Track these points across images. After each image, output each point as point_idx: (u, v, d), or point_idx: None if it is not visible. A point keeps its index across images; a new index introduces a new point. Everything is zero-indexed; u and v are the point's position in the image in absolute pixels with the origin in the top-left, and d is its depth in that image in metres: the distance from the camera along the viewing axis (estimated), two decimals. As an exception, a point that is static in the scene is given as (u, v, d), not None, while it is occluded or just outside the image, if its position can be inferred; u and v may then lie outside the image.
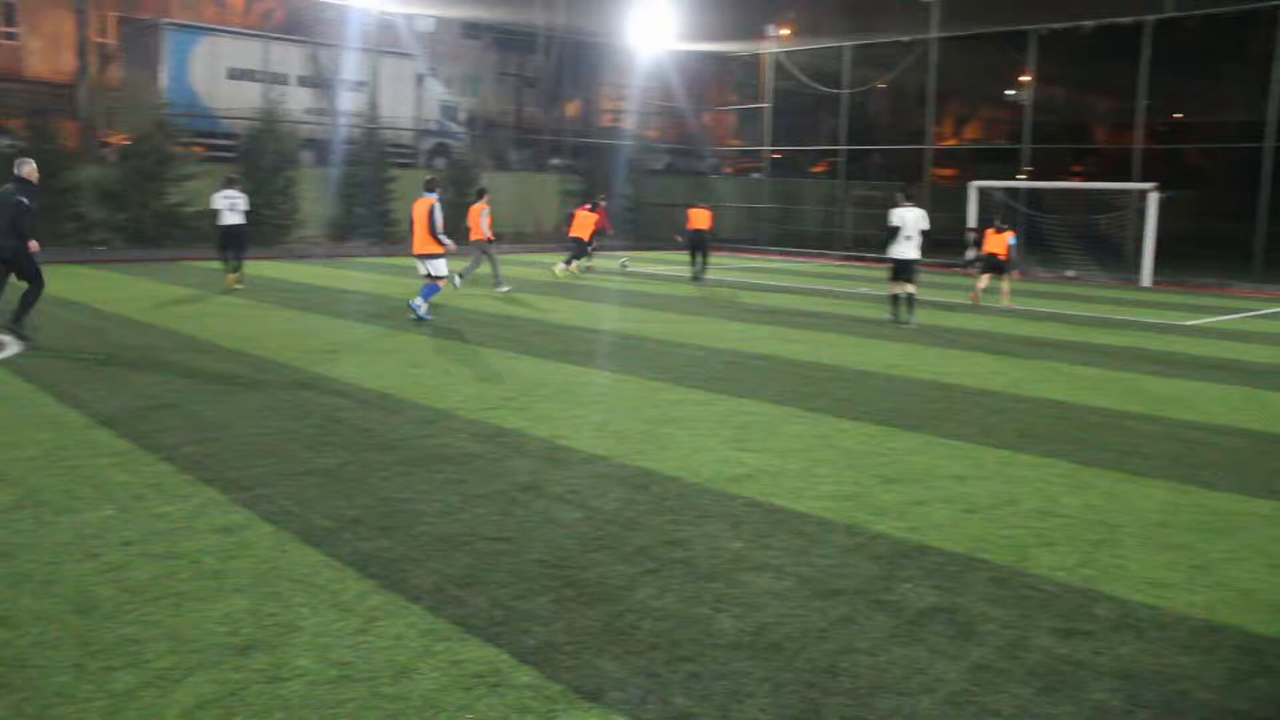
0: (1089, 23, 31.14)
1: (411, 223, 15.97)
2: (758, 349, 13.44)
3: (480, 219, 20.12)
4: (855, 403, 10.04)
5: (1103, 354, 13.98)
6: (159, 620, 4.67)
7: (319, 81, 35.30)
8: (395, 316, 15.96)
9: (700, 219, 24.46)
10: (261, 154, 31.37)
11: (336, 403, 9.45)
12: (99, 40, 36.05)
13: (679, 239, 25.37)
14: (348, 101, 35.16)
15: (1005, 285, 20.70)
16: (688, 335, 14.61)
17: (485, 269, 20.73)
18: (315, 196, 32.66)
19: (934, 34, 34.17)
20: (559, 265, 24.34)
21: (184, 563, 5.37)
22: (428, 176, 17.11)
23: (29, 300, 12.45)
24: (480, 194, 20.75)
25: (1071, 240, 28.63)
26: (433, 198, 15.78)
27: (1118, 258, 28.97)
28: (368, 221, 33.83)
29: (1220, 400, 10.80)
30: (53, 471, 7.03)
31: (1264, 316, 20.40)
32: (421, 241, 15.63)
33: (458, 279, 19.40)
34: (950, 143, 50.04)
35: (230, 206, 19.31)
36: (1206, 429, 9.34)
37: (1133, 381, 11.79)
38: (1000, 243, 20.33)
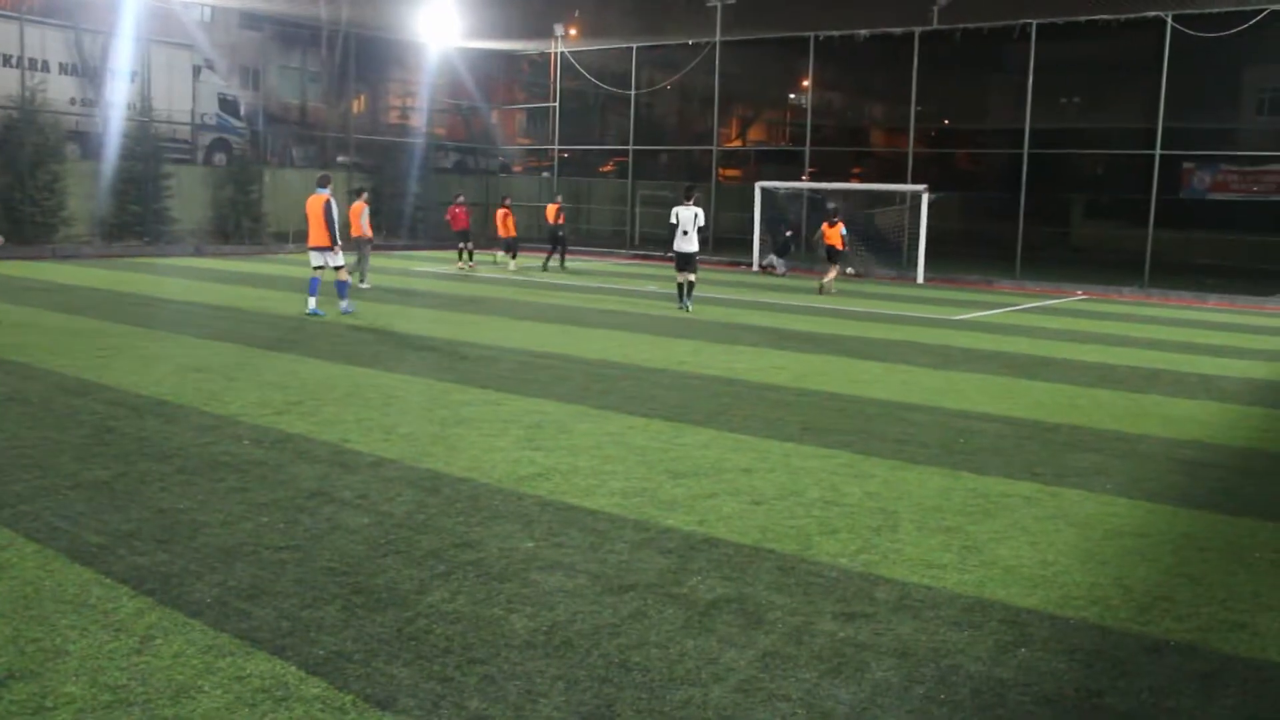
0: (864, 31, 32.53)
1: (307, 218, 16.34)
2: (548, 348, 13.47)
3: (361, 217, 20.88)
4: (645, 400, 10.20)
5: (881, 348, 14.64)
6: (-94, 650, 4.32)
7: (84, 70, 33.31)
8: (175, 320, 15.24)
9: (551, 213, 28.23)
10: (20, 145, 29.37)
11: (109, 410, 8.95)
12: None
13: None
14: (118, 92, 33.28)
15: (833, 272, 23.78)
16: (477, 335, 14.51)
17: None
18: (84, 193, 30.79)
19: (718, 37, 35.00)
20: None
21: (-65, 587, 4.99)
22: (321, 174, 17.67)
23: None
24: (359, 193, 21.69)
25: (853, 239, 29.89)
26: (326, 194, 16.29)
27: (895, 255, 30.40)
28: (142, 220, 32.15)
29: (986, 390, 11.48)
30: None
31: (1023, 311, 21.80)
32: (317, 235, 16.14)
33: (361, 282, 20.63)
34: (736, 144, 51.41)
35: None
36: (975, 417, 9.90)
37: (908, 374, 12.40)
38: (835, 235, 23.55)
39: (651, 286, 23.87)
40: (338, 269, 16.40)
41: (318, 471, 7.23)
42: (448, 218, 29.29)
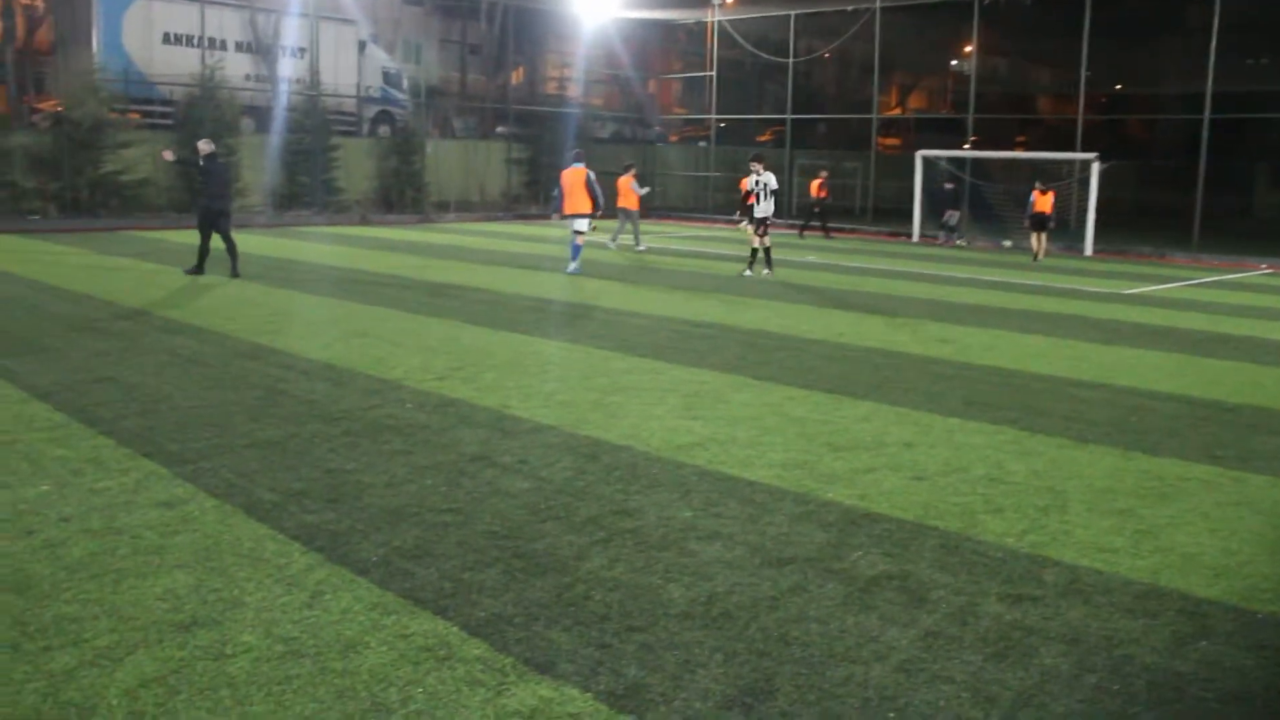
0: (1031, -8, 31.34)
1: (563, 188, 18.74)
2: (706, 318, 13.42)
3: (630, 188, 23.24)
4: (803, 371, 10.06)
5: (1047, 322, 14.13)
6: (98, 598, 4.56)
7: (258, 47, 34.60)
8: (340, 285, 15.75)
9: (814, 187, 30.06)
10: (200, 121, 30.72)
11: (280, 374, 9.30)
12: (25, 2, 35.04)
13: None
14: (288, 68, 34.51)
15: (1043, 241, 24.53)
16: (637, 304, 14.56)
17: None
18: (257, 165, 32.08)
19: (879, 2, 34.17)
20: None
21: (124, 539, 5.25)
22: (575, 150, 20.80)
23: None
24: (628, 167, 23.93)
25: (1015, 210, 28.88)
26: (583, 167, 18.67)
27: (1061, 228, 29.30)
28: (310, 191, 33.31)
29: (1159, 367, 10.96)
30: (-14, 446, 6.85)
31: (1200, 285, 20.75)
32: (573, 204, 18.44)
33: (611, 243, 23.28)
34: (895, 112, 50.23)
35: None
36: (1148, 395, 9.46)
37: (1076, 349, 11.93)
38: (1047, 202, 24.26)
39: (810, 257, 23.56)
40: (578, 232, 18.43)
41: (479, 436, 7.35)
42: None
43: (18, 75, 31.88)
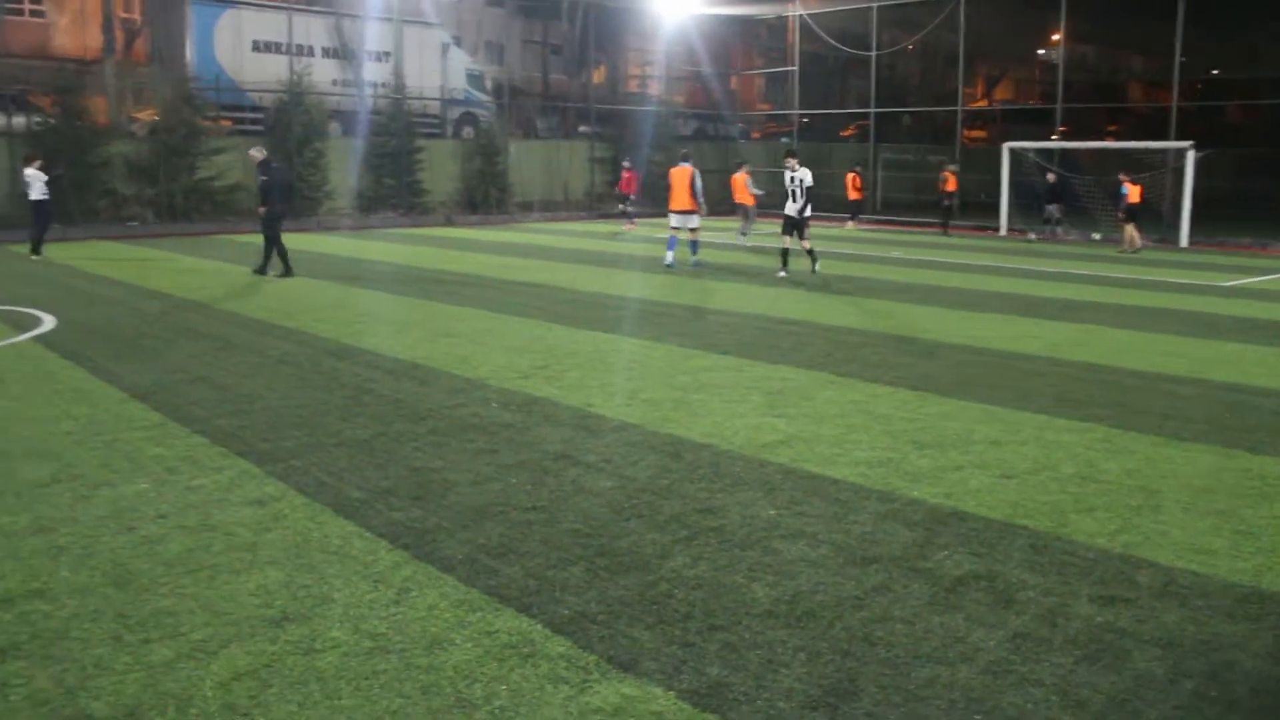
0: (1123, -22, 30.60)
1: (670, 186, 19.52)
2: (789, 314, 13.34)
3: (745, 184, 24.24)
4: (888, 367, 9.95)
5: (1140, 316, 13.78)
6: (194, 593, 4.68)
7: (344, 53, 35.20)
8: (425, 285, 15.96)
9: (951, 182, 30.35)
10: (289, 126, 31.36)
11: (368, 373, 9.46)
12: (124, 16, 36.11)
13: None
14: (373, 72, 35.06)
15: (1136, 232, 24.60)
16: (719, 301, 14.53)
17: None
18: (344, 168, 32.65)
19: (964, -7, 33.64)
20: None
21: (218, 535, 5.38)
22: (683, 150, 22.36)
23: None
24: (740, 164, 25.03)
25: (1105, 201, 28.19)
26: (690, 166, 19.48)
27: (1154, 218, 28.56)
28: (396, 193, 33.80)
29: (1261, 362, 10.62)
30: (89, 445, 7.07)
31: (1304, 276, 20.08)
32: (681, 201, 19.18)
33: (740, 236, 24.32)
34: (981, 104, 49.44)
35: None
36: (1248, 391, 9.18)
37: (1171, 344, 11.62)
38: (1137, 191, 24.65)
39: (896, 253, 23.30)
40: (694, 230, 19.33)
41: (563, 435, 7.40)
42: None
43: (117, 87, 32.82)
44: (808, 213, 17.74)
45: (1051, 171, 29.19)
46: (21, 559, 5.07)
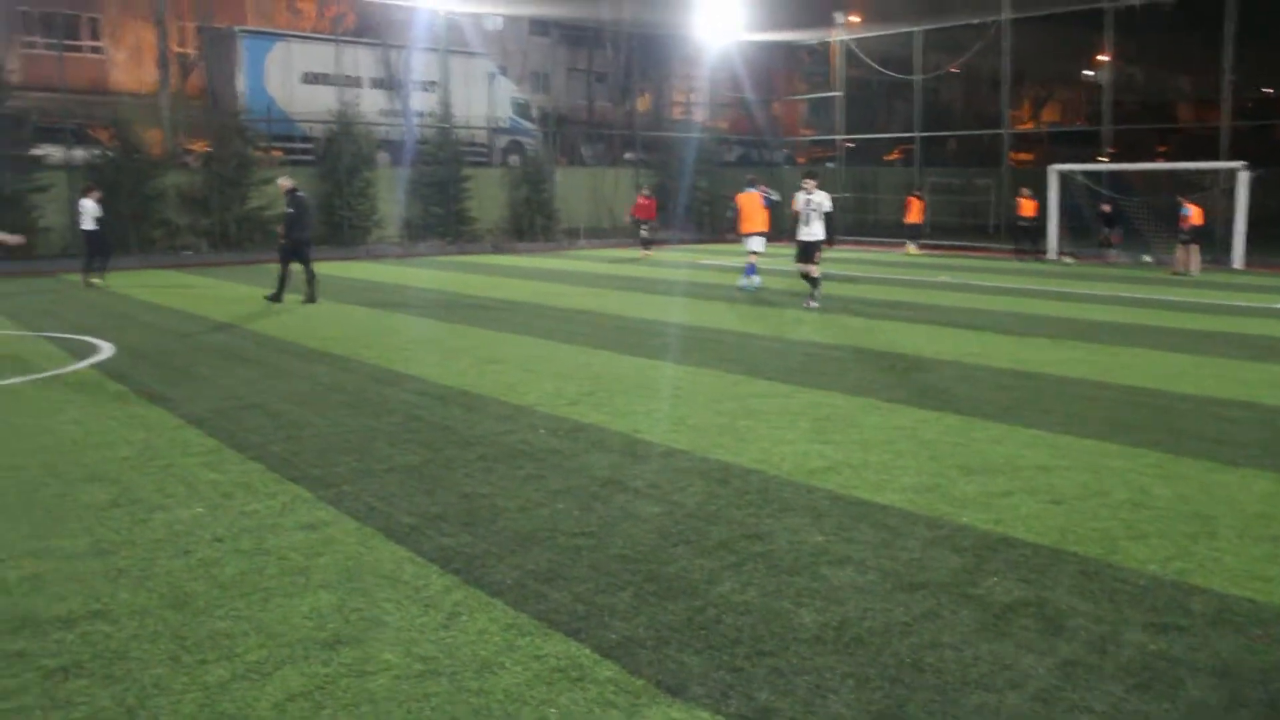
0: (1170, -2, 30.41)
1: (740, 212, 20.37)
2: (835, 340, 13.33)
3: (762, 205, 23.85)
4: (935, 393, 9.91)
5: (1192, 339, 13.62)
6: (249, 615, 4.76)
7: (391, 83, 35.69)
8: (473, 312, 16.11)
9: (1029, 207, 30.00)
10: (339, 156, 31.81)
11: (417, 400, 9.56)
12: (179, 50, 36.86)
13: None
14: (420, 102, 35.52)
15: (1193, 254, 24.64)
16: (764, 327, 14.54)
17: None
18: (392, 197, 33.06)
19: (1006, 15, 33.55)
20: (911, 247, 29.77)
21: (272, 559, 5.47)
22: (750, 175, 23.49)
23: None
24: (750, 181, 24.67)
25: (1156, 223, 27.88)
26: (758, 191, 20.54)
27: (1207, 240, 28.20)
28: (443, 221, 34.15)
29: (1316, 385, 10.47)
30: (146, 470, 7.21)
31: (1360, 298, 19.74)
32: (748, 225, 20.06)
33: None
34: (1027, 126, 49.17)
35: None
36: (1302, 415, 9.05)
37: (1224, 367, 11.48)
38: (1199, 213, 24.64)
39: (944, 277, 23.20)
40: (754, 252, 19.99)
41: (610, 461, 7.44)
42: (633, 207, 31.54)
43: (171, 119, 33.48)
44: (821, 236, 17.01)
45: (1106, 202, 28.91)
46: (82, 580, 5.19)
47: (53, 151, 28.55)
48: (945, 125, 40.91)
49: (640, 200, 30.76)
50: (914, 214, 32.14)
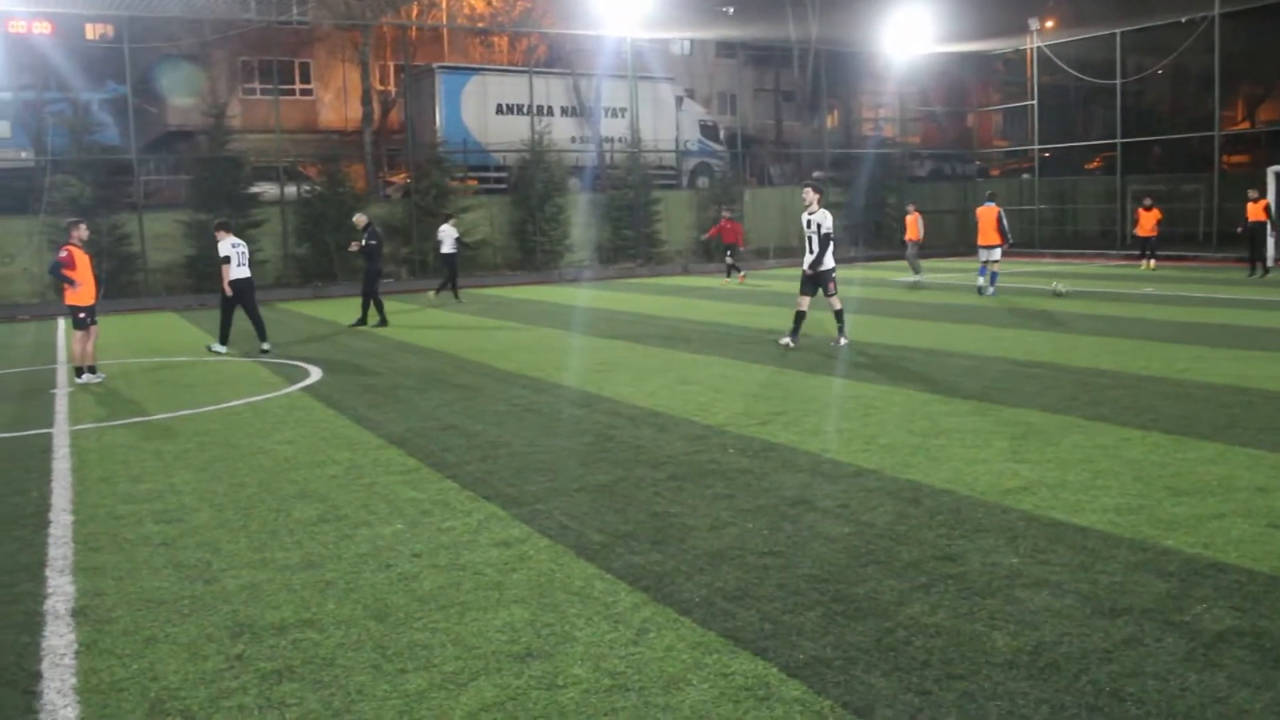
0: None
1: (978, 224, 22.23)
2: (1033, 356, 12.89)
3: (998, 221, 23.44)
4: (1140, 410, 9.46)
5: None
6: (446, 627, 4.94)
7: (581, 111, 36.52)
8: (663, 334, 16.28)
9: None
10: (531, 183, 32.74)
11: (609, 420, 9.74)
12: (380, 89, 38.69)
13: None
14: (609, 128, 36.21)
15: None
16: (958, 344, 14.19)
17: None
18: (583, 222, 33.80)
19: (1216, 10, 31.84)
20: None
21: (467, 574, 5.67)
22: (988, 191, 24.90)
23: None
24: (992, 196, 24.18)
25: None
26: (995, 205, 22.13)
27: None
28: (634, 244, 34.67)
29: None
30: (351, 488, 7.59)
31: None
32: (988, 237, 21.86)
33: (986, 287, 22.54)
34: (1242, 126, 46.44)
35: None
36: None
37: None
38: None
39: (1148, 289, 22.16)
40: (995, 263, 21.96)
41: (799, 480, 7.41)
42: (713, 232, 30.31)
43: (374, 154, 35.16)
44: (828, 264, 14.17)
45: None
46: (294, 591, 5.50)
47: (267, 189, 30.41)
48: (1149, 130, 39.03)
49: (724, 224, 28.85)
50: (1148, 226, 28.67)
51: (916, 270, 26.48)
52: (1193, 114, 39.43)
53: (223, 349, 15.91)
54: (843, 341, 14.32)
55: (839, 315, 14.49)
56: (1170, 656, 4.39)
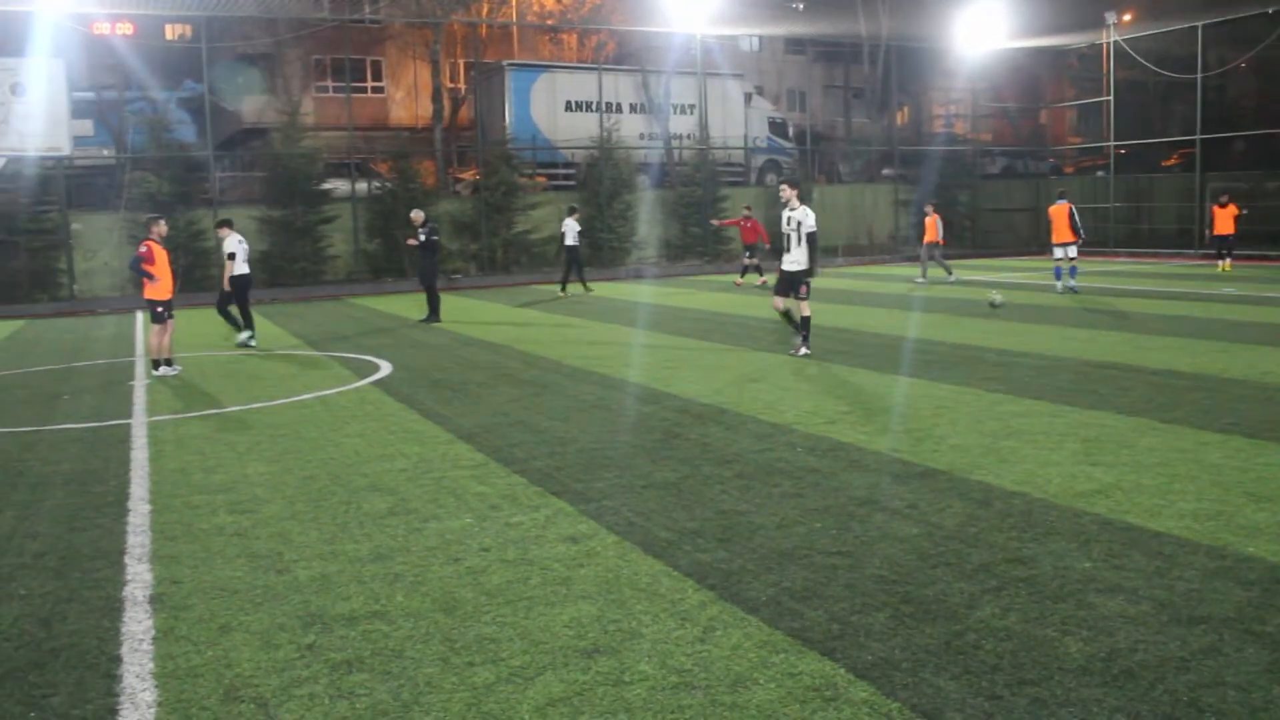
0: None
1: (1051, 222, 22.27)
2: (1107, 357, 12.65)
3: (1069, 218, 23.05)
4: (1219, 413, 9.24)
5: None
6: (513, 622, 4.98)
7: (650, 107, 36.52)
8: (731, 331, 16.24)
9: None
10: (600, 180, 32.83)
11: (676, 418, 9.73)
12: (450, 86, 39.03)
13: None
14: (678, 125, 36.18)
15: None
16: (1031, 344, 13.97)
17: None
18: (651, 219, 33.83)
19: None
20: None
21: (535, 569, 5.70)
22: (1060, 189, 24.91)
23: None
24: (1061, 193, 23.96)
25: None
26: (1067, 203, 22.13)
27: None
28: (701, 241, 34.61)
29: None
30: (420, 482, 7.67)
31: None
32: (1062, 235, 21.95)
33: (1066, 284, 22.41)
34: (1330, 122, 45.11)
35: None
36: None
37: None
38: None
39: (1228, 289, 21.65)
40: (1072, 259, 21.98)
41: (868, 480, 7.35)
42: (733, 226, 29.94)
43: (444, 151, 35.49)
44: (804, 264, 13.37)
45: None
46: (364, 583, 5.57)
47: (339, 185, 30.84)
48: (1231, 125, 38.05)
49: (742, 222, 27.82)
50: (1226, 224, 27.46)
51: (925, 272, 26.73)
52: (1277, 109, 38.37)
53: (248, 335, 16.60)
54: (804, 351, 13.43)
55: (805, 322, 13.61)
56: (1251, 667, 4.28)
